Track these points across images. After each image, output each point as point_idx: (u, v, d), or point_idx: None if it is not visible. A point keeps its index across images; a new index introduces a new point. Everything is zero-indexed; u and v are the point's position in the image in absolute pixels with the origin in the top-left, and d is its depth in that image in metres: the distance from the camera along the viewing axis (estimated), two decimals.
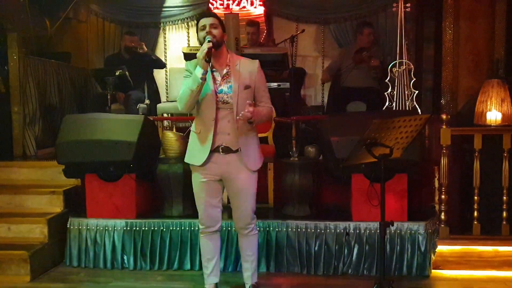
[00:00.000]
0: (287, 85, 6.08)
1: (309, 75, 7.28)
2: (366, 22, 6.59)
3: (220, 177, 3.50)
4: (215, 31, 3.33)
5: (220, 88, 3.36)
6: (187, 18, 7.43)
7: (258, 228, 3.87)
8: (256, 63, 3.48)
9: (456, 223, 4.59)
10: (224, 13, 6.04)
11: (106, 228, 4.64)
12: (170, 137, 4.72)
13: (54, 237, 4.74)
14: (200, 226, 3.67)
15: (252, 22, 6.63)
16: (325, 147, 4.42)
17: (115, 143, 4.47)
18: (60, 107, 6.69)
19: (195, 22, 6.93)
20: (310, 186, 4.57)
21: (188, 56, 5.83)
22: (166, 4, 7.45)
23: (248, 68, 3.43)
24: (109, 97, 6.39)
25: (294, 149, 4.68)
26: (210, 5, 7.24)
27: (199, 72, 3.22)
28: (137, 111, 6.62)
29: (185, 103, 3.37)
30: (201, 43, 3.33)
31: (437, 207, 4.57)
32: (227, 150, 3.41)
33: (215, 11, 7.13)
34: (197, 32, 3.44)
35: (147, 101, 7.01)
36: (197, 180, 3.52)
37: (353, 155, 3.32)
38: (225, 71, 3.39)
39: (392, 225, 3.35)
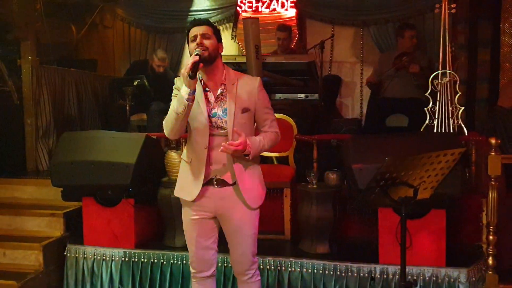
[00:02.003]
0: (316, 96, 5.47)
1: (346, 83, 6.60)
2: (408, 24, 5.84)
3: (214, 214, 2.94)
4: (207, 42, 2.75)
5: (213, 111, 2.80)
6: (215, 22, 6.89)
7: (260, 271, 3.29)
8: (256, 80, 2.88)
9: (507, 269, 3.80)
10: (243, 18, 5.49)
11: (104, 257, 4.22)
12: (174, 158, 4.22)
13: (52, 265, 4.37)
14: (191, 270, 3.12)
15: (284, 27, 6.05)
16: (347, 174, 3.78)
17: (111, 165, 4.04)
18: (79, 118, 6.38)
19: (224, 26, 6.56)
20: (329, 219, 3.94)
21: None
22: (193, 8, 6.98)
23: (247, 87, 2.84)
24: (128, 108, 6.02)
25: (312, 174, 4.06)
26: (238, 7, 6.69)
27: (185, 91, 2.63)
28: (159, 123, 6.18)
29: (170, 128, 2.80)
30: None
31: (484, 247, 3.81)
32: (222, 183, 2.84)
33: (244, 14, 6.60)
34: (188, 44, 2.90)
35: None
36: (187, 217, 2.96)
37: (366, 198, 2.68)
38: (219, 91, 2.80)
39: (416, 286, 2.67)
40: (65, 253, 4.32)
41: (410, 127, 5.52)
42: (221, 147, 2.66)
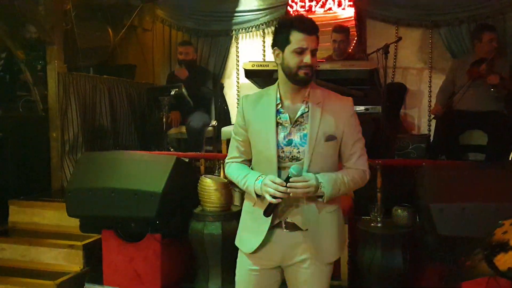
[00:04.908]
0: (378, 109, 4.67)
1: (411, 93, 5.72)
2: (487, 25, 4.94)
3: (279, 263, 2.28)
4: (314, 61, 2.11)
5: (289, 139, 2.16)
6: (263, 24, 6.18)
7: None
8: (348, 103, 2.24)
9: None
10: None
11: None
12: (208, 186, 3.54)
13: None
14: None
15: (341, 28, 5.30)
16: (422, 214, 3.00)
17: (134, 194, 3.41)
18: (113, 131, 5.79)
19: (272, 29, 5.86)
20: (398, 267, 3.16)
21: (251, 74, 4.64)
22: (239, 8, 6.28)
23: (335, 109, 2.19)
24: (164, 120, 5.40)
25: (376, 209, 3.29)
26: (289, 7, 5.96)
27: (252, 189, 2.17)
28: (199, 138, 5.56)
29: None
30: (290, 74, 2.13)
31: None
32: (292, 227, 2.21)
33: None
34: (278, 46, 2.16)
35: (213, 123, 5.93)
36: (245, 267, 2.32)
37: (463, 269, 1.91)
38: (300, 112, 2.16)
39: None
40: None
41: (490, 146, 4.65)
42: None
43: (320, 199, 2.12)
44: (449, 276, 2.69)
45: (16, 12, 5.17)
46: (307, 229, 2.19)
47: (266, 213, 2.11)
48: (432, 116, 5.23)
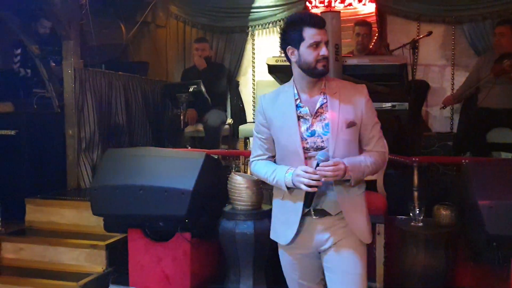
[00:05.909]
0: (405, 105, 4.57)
1: (433, 90, 5.61)
2: (502, 20, 4.86)
3: (314, 249, 2.29)
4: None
5: (311, 130, 2.22)
6: (280, 21, 6.05)
7: None
8: (363, 90, 2.28)
9: None
10: (321, 13, 4.63)
11: None
12: (239, 183, 3.41)
13: None
14: None
15: (364, 22, 5.25)
16: (469, 212, 2.88)
17: (164, 191, 3.29)
18: (128, 129, 5.65)
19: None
20: (441, 268, 3.04)
21: (274, 69, 4.52)
22: (256, 4, 6.16)
23: (351, 96, 2.25)
24: (182, 117, 5.28)
25: (416, 207, 3.18)
26: (307, 3, 5.85)
27: (282, 183, 2.21)
28: (216, 136, 5.44)
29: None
30: (309, 68, 2.19)
31: None
32: (322, 213, 2.24)
33: (314, 10, 5.75)
34: (292, 45, 2.20)
35: (229, 121, 5.82)
36: (286, 258, 2.38)
37: None
38: (319, 103, 2.22)
39: None
40: None
41: None
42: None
43: (347, 183, 2.17)
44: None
45: (30, 6, 5.04)
46: (337, 214, 2.22)
47: (306, 204, 2.16)
48: (441, 106, 5.14)
